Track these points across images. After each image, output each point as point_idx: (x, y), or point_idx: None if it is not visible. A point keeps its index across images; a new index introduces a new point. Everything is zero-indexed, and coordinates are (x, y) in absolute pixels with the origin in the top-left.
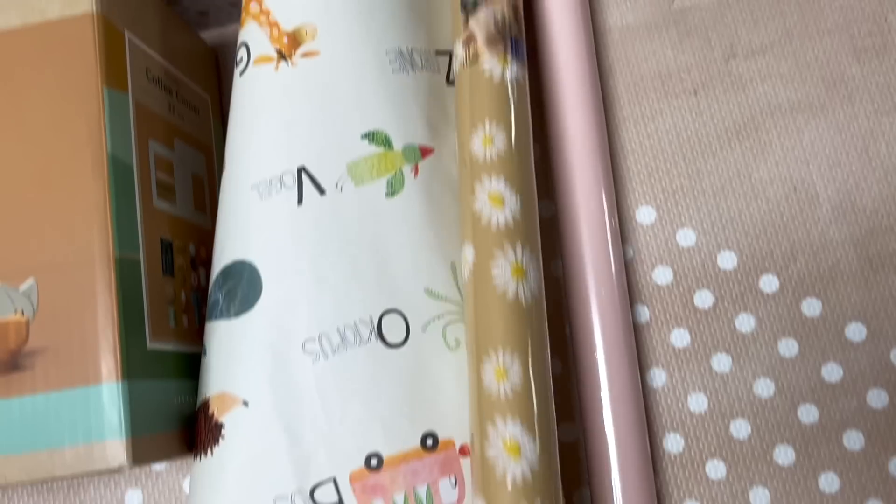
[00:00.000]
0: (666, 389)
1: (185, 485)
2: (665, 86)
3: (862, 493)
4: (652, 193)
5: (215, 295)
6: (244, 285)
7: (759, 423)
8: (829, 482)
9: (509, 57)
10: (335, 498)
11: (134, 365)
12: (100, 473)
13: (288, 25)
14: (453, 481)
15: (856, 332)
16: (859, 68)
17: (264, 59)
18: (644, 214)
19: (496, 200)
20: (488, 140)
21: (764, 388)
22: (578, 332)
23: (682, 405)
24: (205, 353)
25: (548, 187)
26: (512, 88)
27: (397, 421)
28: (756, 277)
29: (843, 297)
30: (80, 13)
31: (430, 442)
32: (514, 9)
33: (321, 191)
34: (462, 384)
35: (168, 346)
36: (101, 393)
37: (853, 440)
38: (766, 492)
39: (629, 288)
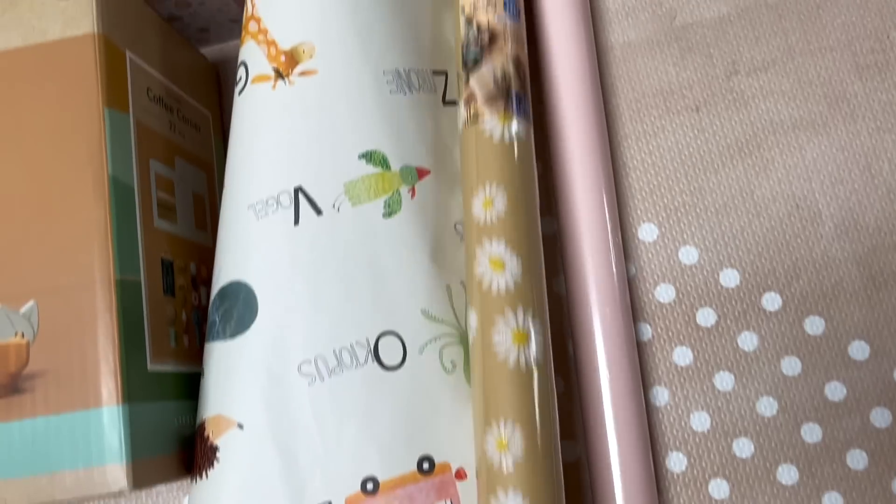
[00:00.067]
0: (668, 408)
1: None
2: (667, 102)
3: None
4: (654, 211)
5: (213, 316)
6: (240, 306)
7: (763, 442)
8: (832, 502)
9: (510, 113)
10: None
11: (134, 387)
12: (100, 497)
13: (286, 44)
14: None
15: (859, 350)
16: (861, 85)
17: (262, 78)
18: (646, 232)
19: (496, 264)
20: (488, 202)
21: (767, 406)
22: (581, 350)
23: (685, 424)
24: (203, 374)
25: (549, 204)
26: (513, 147)
27: (393, 444)
28: (759, 295)
29: (846, 315)
30: (82, 33)
31: (426, 466)
32: (517, 62)
33: (318, 211)
34: (458, 407)
35: (169, 367)
36: (102, 416)
37: (857, 459)
38: None
39: (631, 306)
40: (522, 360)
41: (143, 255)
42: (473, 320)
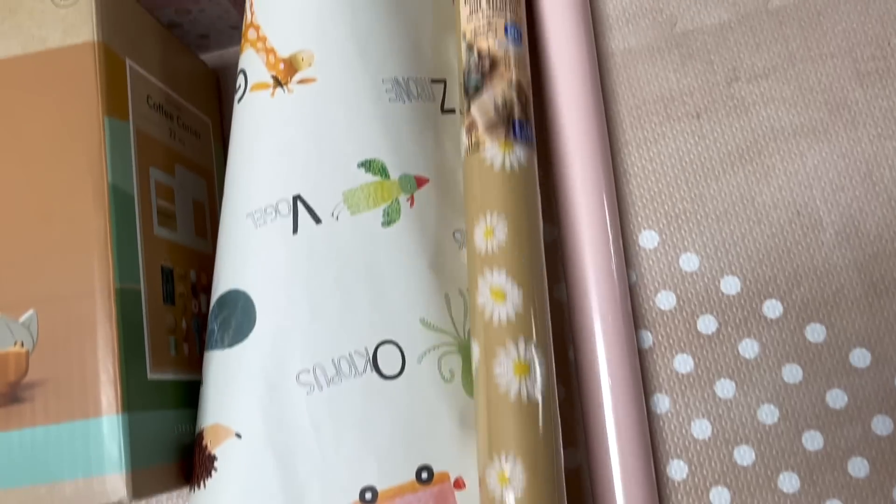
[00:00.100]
0: (669, 415)
1: None
2: (667, 109)
3: None
4: (654, 218)
5: (212, 324)
6: (238, 315)
7: (764, 450)
8: None
9: (511, 141)
10: None
11: (134, 397)
12: None
13: (284, 52)
14: None
15: (860, 357)
16: (862, 92)
17: (261, 86)
18: (647, 239)
19: (497, 295)
20: (489, 232)
21: (768, 414)
22: (583, 357)
23: (686, 431)
24: (202, 383)
25: (550, 211)
26: (514, 175)
27: (392, 454)
28: (759, 303)
29: (847, 322)
30: (81, 41)
31: (424, 475)
32: (518, 88)
33: (317, 219)
34: (457, 416)
35: (169, 376)
36: (101, 426)
37: (858, 467)
38: None
39: (632, 313)
40: (524, 391)
41: (143, 263)
42: (476, 351)
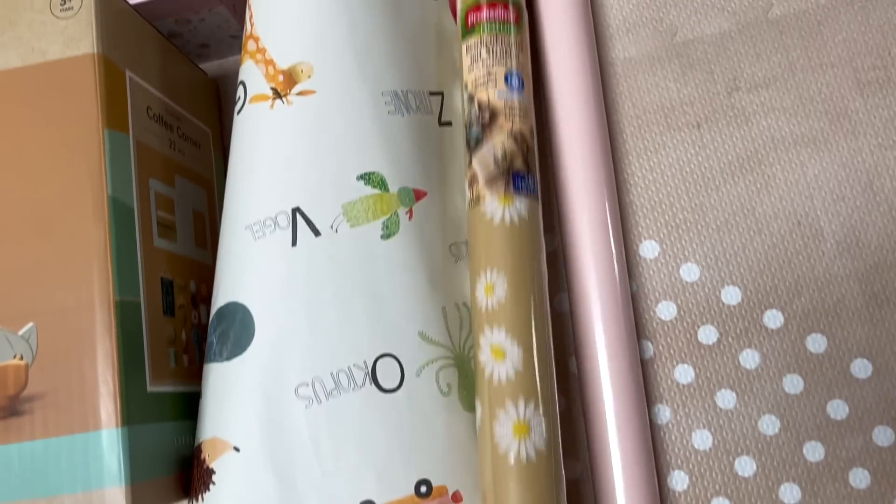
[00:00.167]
0: (670, 426)
1: None
2: (668, 119)
3: None
4: (655, 228)
5: (210, 337)
6: (237, 328)
7: (765, 461)
8: None
9: (511, 195)
10: None
11: (134, 410)
12: None
13: (284, 63)
14: None
15: (861, 368)
16: (863, 102)
17: (260, 98)
18: (647, 249)
19: (498, 353)
20: (489, 288)
21: (769, 425)
22: (585, 368)
23: (687, 442)
24: (202, 395)
25: (551, 220)
26: (514, 230)
27: (391, 467)
28: (760, 313)
29: (848, 333)
30: (81, 53)
31: (423, 489)
32: (519, 137)
33: (316, 232)
34: (454, 430)
35: (168, 388)
36: (101, 439)
37: (859, 478)
38: None
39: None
40: (524, 453)
41: (143, 275)
42: (478, 408)
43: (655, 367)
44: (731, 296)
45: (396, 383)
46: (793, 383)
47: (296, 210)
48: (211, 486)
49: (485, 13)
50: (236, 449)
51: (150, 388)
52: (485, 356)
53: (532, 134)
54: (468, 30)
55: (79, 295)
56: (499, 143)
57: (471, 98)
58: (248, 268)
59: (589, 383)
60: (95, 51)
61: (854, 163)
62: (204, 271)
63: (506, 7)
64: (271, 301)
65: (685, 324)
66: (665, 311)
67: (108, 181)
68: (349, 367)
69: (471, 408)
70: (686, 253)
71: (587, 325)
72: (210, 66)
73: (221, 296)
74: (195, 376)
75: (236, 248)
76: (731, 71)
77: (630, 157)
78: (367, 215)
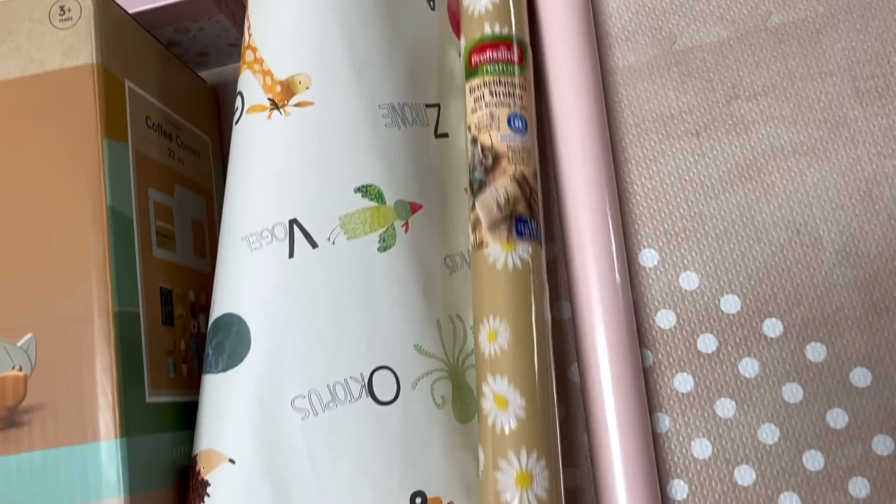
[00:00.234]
0: (669, 435)
1: None
2: (667, 127)
3: None
4: (654, 236)
5: (207, 348)
6: (233, 339)
7: (764, 470)
8: None
9: (514, 240)
10: None
11: (132, 420)
12: None
13: (281, 74)
14: None
15: (861, 377)
16: (862, 110)
17: (257, 108)
18: (646, 257)
19: (500, 402)
20: (492, 335)
21: (768, 433)
22: (587, 375)
23: (686, 451)
24: (199, 407)
25: (551, 228)
26: (517, 274)
27: (387, 480)
28: (759, 322)
29: (847, 341)
30: (80, 64)
31: (419, 501)
32: (522, 180)
33: (313, 244)
34: (448, 442)
35: (167, 398)
36: (100, 451)
37: (859, 487)
38: None
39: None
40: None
41: (142, 285)
42: (481, 455)
43: (655, 375)
44: (731, 304)
45: (392, 396)
46: (792, 392)
47: (293, 222)
48: (206, 499)
49: (488, 55)
50: (231, 461)
51: (148, 399)
52: (488, 404)
53: (535, 177)
54: (471, 70)
55: (78, 306)
56: (501, 187)
57: (474, 140)
58: (244, 279)
59: (590, 391)
60: (94, 61)
61: (853, 171)
62: (203, 280)
63: (509, 47)
64: (268, 312)
65: (684, 332)
66: (664, 319)
67: (107, 192)
68: (345, 380)
69: (464, 419)
70: (685, 261)
71: (589, 333)
72: (209, 74)
73: (218, 307)
74: (194, 386)
75: (233, 259)
76: (731, 79)
77: (629, 166)
78: (365, 228)
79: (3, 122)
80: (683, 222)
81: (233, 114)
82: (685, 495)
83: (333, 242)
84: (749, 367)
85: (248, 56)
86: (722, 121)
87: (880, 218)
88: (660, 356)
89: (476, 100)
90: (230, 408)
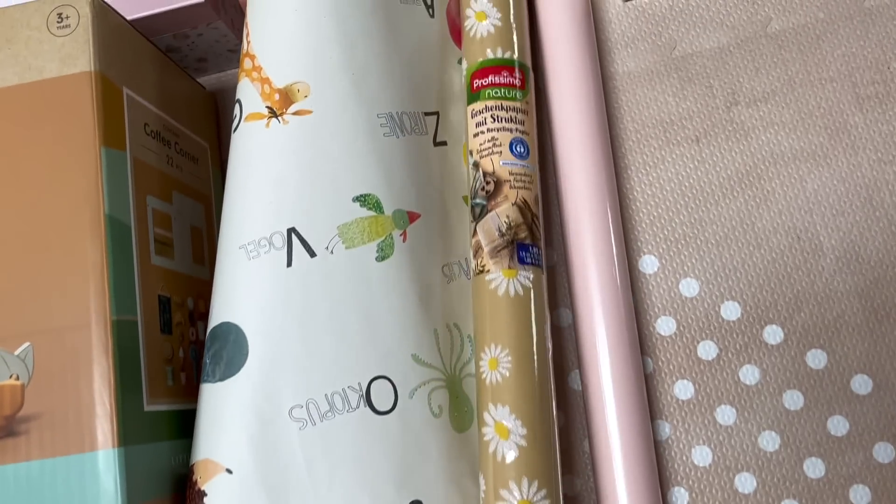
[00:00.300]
0: (670, 442)
1: None
2: (667, 133)
3: None
4: (654, 243)
5: (205, 357)
6: (230, 348)
7: (765, 478)
8: None
9: (515, 267)
10: None
11: (130, 430)
12: None
13: (280, 82)
14: None
15: (861, 384)
16: (862, 117)
17: (256, 116)
18: (646, 264)
19: (502, 431)
20: (494, 363)
21: (769, 441)
22: (588, 382)
23: (687, 458)
24: (196, 416)
25: (550, 235)
26: (518, 300)
27: (384, 489)
28: (760, 328)
29: (848, 348)
30: (78, 71)
31: None
32: (523, 206)
33: (311, 253)
34: (445, 451)
35: (165, 406)
36: (97, 460)
37: (860, 495)
38: None
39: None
40: None
41: (140, 293)
42: (482, 483)
43: (655, 382)
44: (731, 311)
45: (390, 405)
46: (793, 399)
47: (291, 230)
48: None
49: (490, 79)
50: (229, 471)
51: (147, 408)
52: (489, 432)
53: (537, 202)
54: (473, 93)
55: (75, 314)
56: (503, 212)
57: (475, 165)
58: (241, 288)
59: (591, 398)
60: (92, 68)
61: (853, 177)
62: (202, 287)
63: (511, 72)
64: (265, 322)
65: (685, 339)
66: (664, 326)
67: (104, 199)
68: (343, 389)
69: (461, 429)
70: (685, 268)
71: (589, 340)
72: (208, 80)
73: (215, 316)
74: (193, 394)
75: (230, 268)
76: (730, 85)
77: (629, 172)
78: (363, 237)
79: (1, 129)
80: (684, 229)
81: (231, 121)
82: (686, 503)
83: (332, 251)
84: (749, 374)
85: (247, 63)
86: (722, 127)
87: (881, 224)
88: (660, 363)
89: (478, 124)
90: (227, 417)
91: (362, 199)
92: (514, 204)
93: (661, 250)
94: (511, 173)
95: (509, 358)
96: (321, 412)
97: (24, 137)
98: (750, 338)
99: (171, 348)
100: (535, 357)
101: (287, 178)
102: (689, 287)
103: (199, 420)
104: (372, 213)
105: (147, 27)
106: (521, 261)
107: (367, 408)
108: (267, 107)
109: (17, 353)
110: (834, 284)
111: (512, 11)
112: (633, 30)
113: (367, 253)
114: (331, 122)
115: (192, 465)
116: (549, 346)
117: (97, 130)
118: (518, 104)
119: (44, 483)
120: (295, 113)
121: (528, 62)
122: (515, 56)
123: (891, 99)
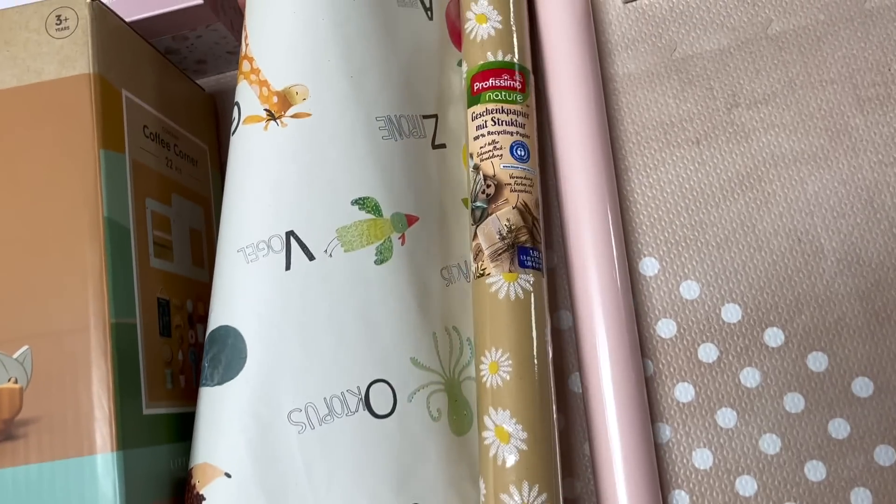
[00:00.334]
0: (671, 445)
1: None
2: (667, 135)
3: None
4: (655, 245)
5: (203, 360)
6: (228, 352)
7: (766, 480)
8: None
9: (515, 270)
10: None
11: (129, 433)
12: None
13: (278, 85)
14: None
15: (862, 387)
16: (863, 118)
17: (254, 119)
18: (647, 266)
19: (502, 435)
20: (494, 367)
21: (770, 443)
22: (589, 385)
23: (687, 461)
24: (195, 419)
25: (551, 237)
26: (519, 303)
27: (383, 493)
28: (761, 331)
29: (849, 351)
30: (77, 73)
31: None
32: (524, 209)
33: (310, 256)
34: (444, 455)
35: (164, 409)
36: (96, 464)
37: (861, 498)
38: None
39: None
40: None
41: (139, 296)
42: (483, 487)
43: (655, 385)
44: (732, 314)
45: (389, 409)
46: (794, 402)
47: (290, 234)
48: None
49: (490, 82)
50: (227, 475)
51: (146, 411)
52: (489, 436)
53: (538, 206)
54: (473, 96)
55: (74, 317)
56: (503, 216)
57: (476, 168)
58: (240, 291)
59: (592, 401)
60: (91, 70)
61: (854, 179)
62: (201, 290)
63: (511, 74)
64: (264, 325)
65: (685, 342)
66: (665, 328)
67: (103, 202)
68: (342, 393)
69: (460, 432)
70: (686, 270)
71: (590, 342)
72: (207, 82)
73: (214, 319)
74: (192, 397)
75: (229, 271)
76: (731, 87)
77: (629, 174)
78: (362, 240)
79: (0, 131)
80: (684, 231)
81: (230, 124)
82: None
83: (330, 255)
84: (750, 377)
85: (245, 66)
86: (722, 129)
87: (882, 226)
88: (660, 366)
89: (478, 127)
90: (226, 421)
91: (361, 203)
92: (515, 207)
93: (661, 252)
94: (511, 176)
95: (510, 362)
96: (320, 416)
97: (22, 140)
98: (751, 340)
99: (170, 351)
100: (536, 361)
101: (285, 181)
102: (690, 289)
103: (197, 424)
104: (370, 216)
105: (146, 29)
106: (522, 264)
107: (366, 411)
108: (265, 109)
109: (15, 356)
110: (835, 287)
111: (512, 14)
112: (633, 31)
113: (366, 256)
114: (329, 125)
115: (191, 469)
116: (550, 350)
117: (96, 133)
118: (518, 107)
119: (42, 487)
120: (293, 116)
121: (529, 65)
122: (516, 59)
123: (891, 101)
